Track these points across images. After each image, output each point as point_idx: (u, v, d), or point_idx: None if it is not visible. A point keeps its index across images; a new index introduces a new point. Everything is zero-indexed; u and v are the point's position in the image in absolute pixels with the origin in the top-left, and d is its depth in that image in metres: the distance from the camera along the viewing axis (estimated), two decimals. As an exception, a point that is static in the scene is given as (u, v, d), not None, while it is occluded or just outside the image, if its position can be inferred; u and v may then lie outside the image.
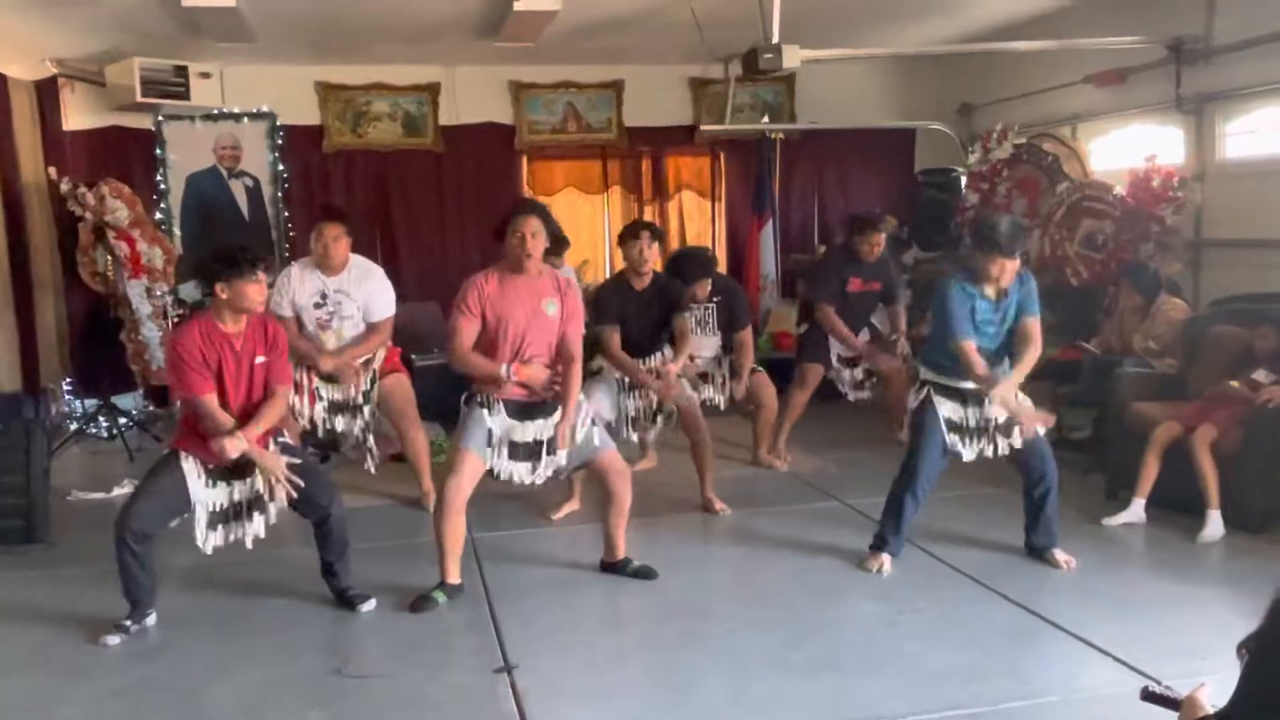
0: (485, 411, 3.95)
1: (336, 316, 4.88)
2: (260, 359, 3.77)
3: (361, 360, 4.96)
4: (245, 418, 3.73)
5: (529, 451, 4.00)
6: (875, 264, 5.99)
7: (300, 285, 4.87)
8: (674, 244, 8.28)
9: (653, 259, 5.05)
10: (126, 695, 3.29)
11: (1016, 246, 4.01)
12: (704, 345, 5.58)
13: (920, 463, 4.20)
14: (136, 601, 3.75)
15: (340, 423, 4.99)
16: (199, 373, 3.65)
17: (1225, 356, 4.98)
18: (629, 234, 5.12)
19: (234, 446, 3.64)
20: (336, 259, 4.86)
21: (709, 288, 5.52)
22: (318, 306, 4.86)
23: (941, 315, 4.17)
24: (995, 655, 3.42)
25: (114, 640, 3.65)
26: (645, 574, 4.21)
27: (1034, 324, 4.16)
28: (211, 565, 4.27)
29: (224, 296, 3.68)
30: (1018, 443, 4.18)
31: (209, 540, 3.77)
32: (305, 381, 4.92)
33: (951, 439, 4.19)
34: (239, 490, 3.80)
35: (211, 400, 3.66)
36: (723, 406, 5.64)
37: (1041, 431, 4.22)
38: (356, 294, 4.89)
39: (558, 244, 4.96)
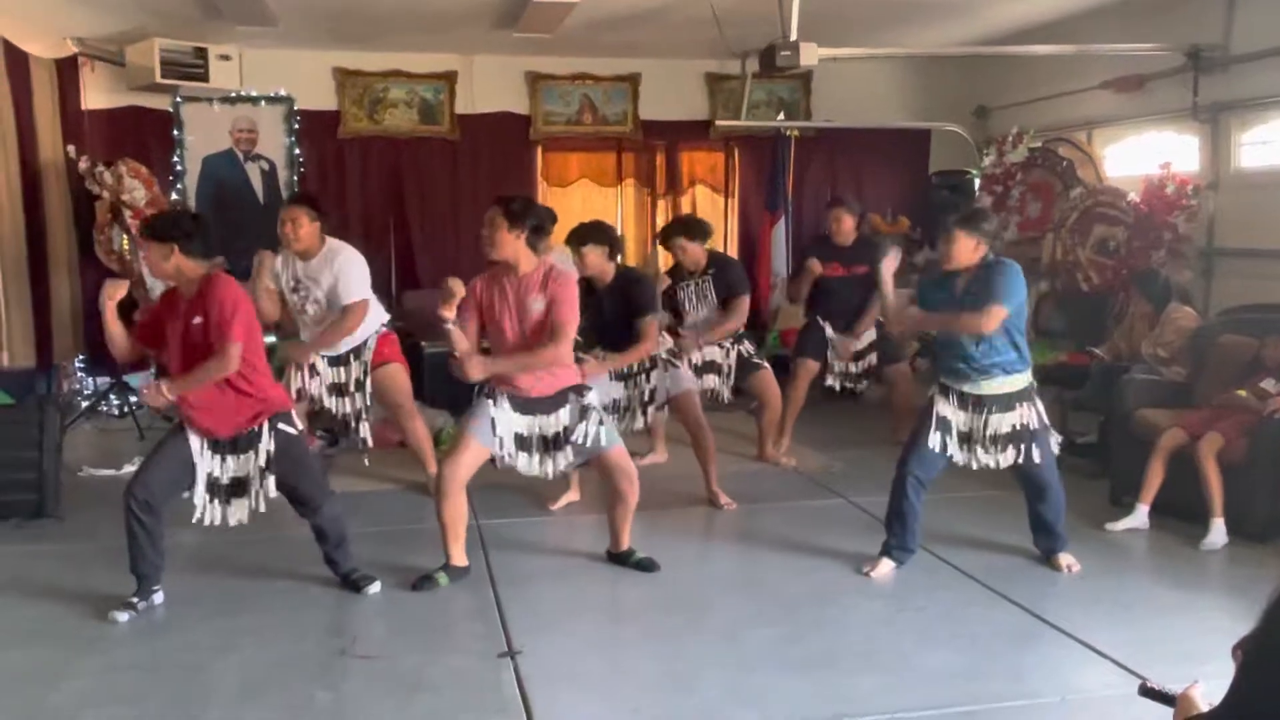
0: (490, 402, 4.03)
1: (309, 300, 5.01)
2: (197, 320, 3.69)
3: (352, 349, 5.03)
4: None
5: (534, 445, 4.07)
6: (857, 248, 5.90)
7: (283, 269, 5.01)
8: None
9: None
10: (134, 670, 3.34)
11: (959, 222, 4.09)
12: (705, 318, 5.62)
13: (910, 458, 4.18)
14: (143, 577, 3.78)
15: (336, 404, 5.07)
16: (143, 325, 3.94)
17: (1233, 365, 4.99)
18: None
19: (154, 395, 3.74)
20: (294, 242, 4.91)
21: (699, 254, 5.52)
22: (293, 291, 5.00)
23: None
24: (993, 655, 3.44)
25: (123, 617, 3.69)
26: (648, 566, 4.24)
27: (994, 310, 3.92)
28: (219, 545, 4.33)
29: None
30: (1008, 461, 4.13)
31: (206, 512, 3.78)
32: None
33: (940, 438, 4.14)
34: (232, 465, 3.80)
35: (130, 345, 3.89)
36: (726, 398, 5.67)
37: (1056, 449, 4.21)
38: (323, 279, 4.96)
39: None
